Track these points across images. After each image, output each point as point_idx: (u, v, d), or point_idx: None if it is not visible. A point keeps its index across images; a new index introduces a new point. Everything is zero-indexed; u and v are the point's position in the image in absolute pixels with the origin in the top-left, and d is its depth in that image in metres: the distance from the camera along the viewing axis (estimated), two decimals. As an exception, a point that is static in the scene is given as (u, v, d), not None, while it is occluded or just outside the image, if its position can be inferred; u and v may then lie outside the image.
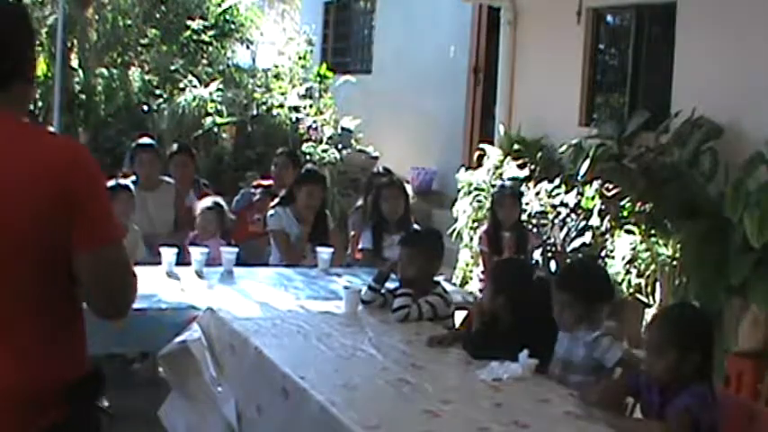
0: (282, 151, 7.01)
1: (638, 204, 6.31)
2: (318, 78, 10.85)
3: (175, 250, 4.96)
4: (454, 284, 7.01)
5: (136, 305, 2.08)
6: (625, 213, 6.39)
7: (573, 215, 6.89)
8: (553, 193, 7.15)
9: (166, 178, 6.06)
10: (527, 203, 7.07)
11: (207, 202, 5.68)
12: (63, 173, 1.86)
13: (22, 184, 1.84)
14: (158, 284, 4.49)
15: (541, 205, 7.17)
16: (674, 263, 5.84)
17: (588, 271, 3.80)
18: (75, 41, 10.33)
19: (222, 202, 5.76)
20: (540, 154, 7.92)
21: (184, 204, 6.02)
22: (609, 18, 8.25)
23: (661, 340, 2.82)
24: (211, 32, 10.77)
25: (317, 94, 10.70)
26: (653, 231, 6.10)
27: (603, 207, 6.59)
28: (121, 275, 1.98)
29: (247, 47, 11.27)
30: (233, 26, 11.08)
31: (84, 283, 1.92)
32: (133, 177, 5.83)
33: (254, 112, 9.96)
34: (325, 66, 11.23)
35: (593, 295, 3.34)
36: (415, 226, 5.66)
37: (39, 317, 1.91)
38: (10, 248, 1.84)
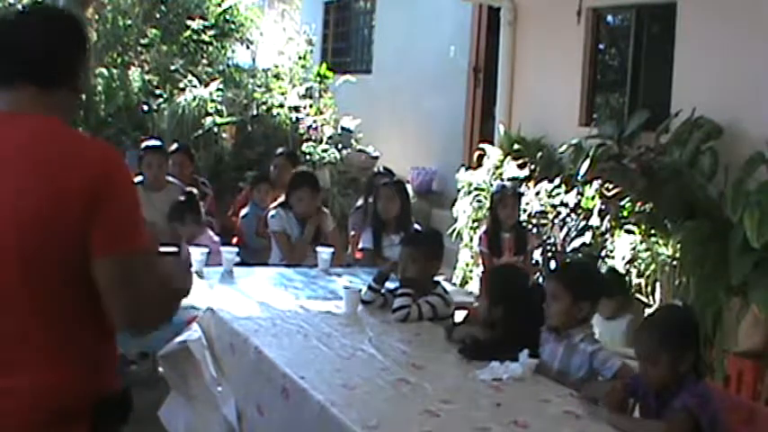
0: (281, 152, 7.00)
1: (638, 204, 6.30)
2: (318, 78, 10.84)
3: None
4: (454, 284, 7.02)
5: None
6: (625, 213, 6.38)
7: (573, 215, 6.88)
8: (553, 193, 7.14)
9: (172, 179, 6.09)
10: (527, 203, 7.07)
11: (180, 196, 5.68)
12: (93, 170, 1.82)
13: (53, 178, 1.81)
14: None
15: (541, 205, 7.17)
16: (674, 263, 5.83)
17: (582, 268, 3.83)
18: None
19: (193, 191, 5.76)
20: (540, 154, 7.91)
21: None
22: (609, 18, 8.25)
23: (653, 346, 2.81)
24: (211, 32, 10.76)
25: (317, 94, 10.69)
26: (653, 231, 6.09)
27: (603, 207, 6.59)
28: (140, 288, 1.85)
29: (247, 47, 11.26)
30: (233, 26, 11.07)
31: (101, 291, 1.83)
32: (140, 177, 5.84)
33: (254, 112, 9.94)
34: (325, 66, 11.22)
35: (580, 291, 3.32)
36: (416, 226, 5.66)
37: (68, 324, 1.85)
38: (36, 245, 1.79)
